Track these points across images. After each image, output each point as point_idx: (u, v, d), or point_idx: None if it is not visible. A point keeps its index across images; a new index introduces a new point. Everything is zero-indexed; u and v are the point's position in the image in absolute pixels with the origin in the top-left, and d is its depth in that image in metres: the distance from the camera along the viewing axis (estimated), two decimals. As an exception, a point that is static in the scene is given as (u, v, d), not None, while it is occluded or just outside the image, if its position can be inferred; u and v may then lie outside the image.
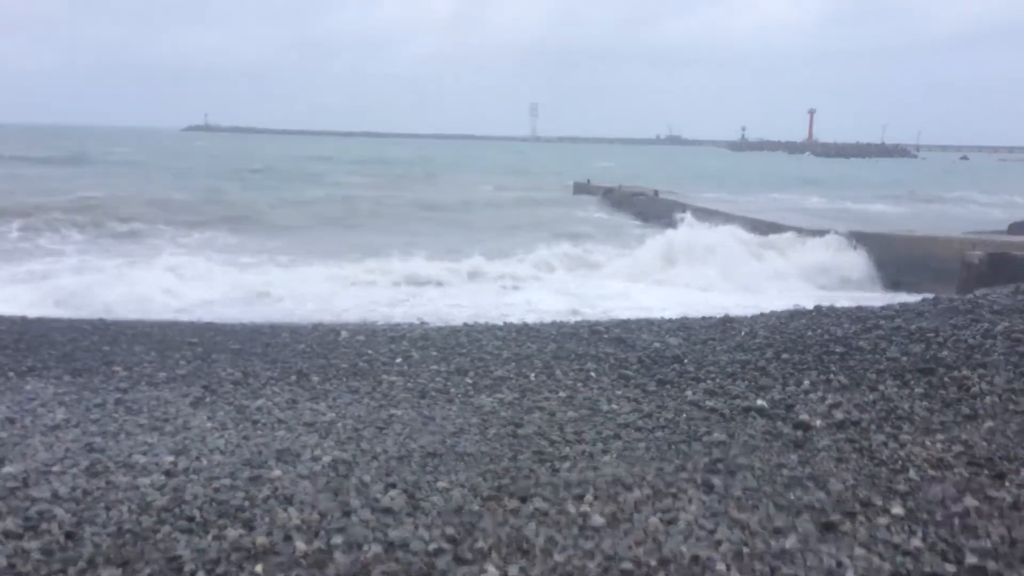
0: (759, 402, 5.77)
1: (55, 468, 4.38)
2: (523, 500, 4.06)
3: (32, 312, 9.74)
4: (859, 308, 9.37)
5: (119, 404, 5.68)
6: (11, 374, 6.51)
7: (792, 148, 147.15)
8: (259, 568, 3.37)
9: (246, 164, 46.74)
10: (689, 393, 6.06)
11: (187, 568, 3.35)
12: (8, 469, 4.32)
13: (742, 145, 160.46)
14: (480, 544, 3.61)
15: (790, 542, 3.65)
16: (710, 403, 5.78)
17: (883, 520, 3.88)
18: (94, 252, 18.09)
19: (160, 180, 36.88)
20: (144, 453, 4.65)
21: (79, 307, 11.15)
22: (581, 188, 36.32)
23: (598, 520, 3.84)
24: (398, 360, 7.09)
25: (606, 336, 8.06)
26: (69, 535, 3.59)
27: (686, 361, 6.96)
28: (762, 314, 9.47)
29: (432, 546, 3.58)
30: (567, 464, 4.56)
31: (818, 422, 5.35)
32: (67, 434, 4.99)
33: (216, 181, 32.79)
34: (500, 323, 9.37)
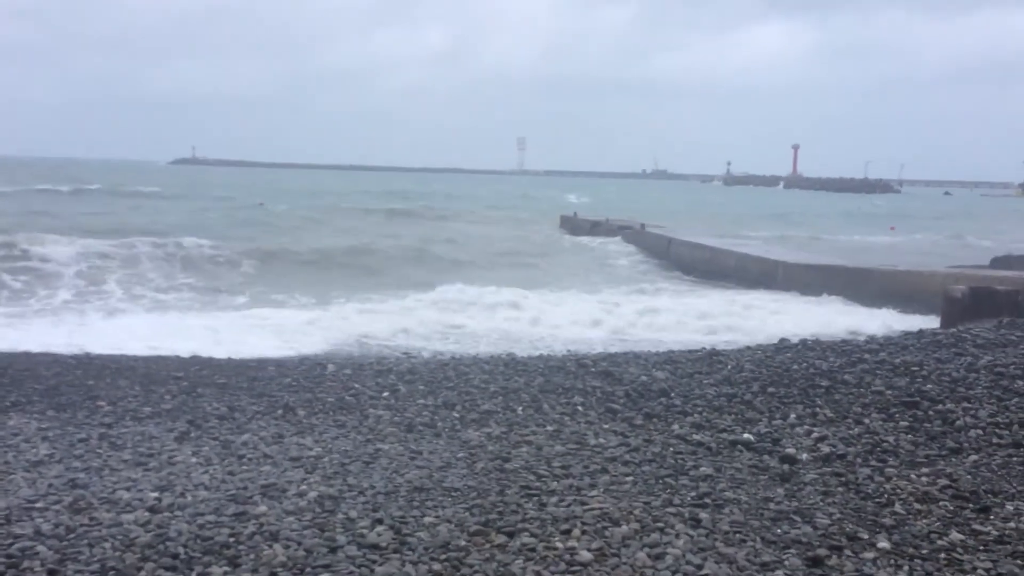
0: (746, 436, 5.79)
1: (38, 504, 4.33)
2: (510, 535, 4.05)
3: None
4: (844, 342, 9.44)
5: (103, 439, 5.63)
6: (-6, 409, 6.44)
7: (775, 182, 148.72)
8: (244, 606, 3.34)
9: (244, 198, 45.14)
10: (676, 427, 6.07)
11: (171, 606, 3.31)
12: (-10, 506, 4.28)
13: (728, 179, 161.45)
14: (467, 580, 3.59)
15: (777, 577, 3.65)
16: (697, 436, 5.79)
17: (870, 554, 3.88)
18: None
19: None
20: (128, 489, 4.61)
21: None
22: (568, 222, 36.50)
23: (585, 555, 3.82)
24: (385, 394, 7.08)
25: (593, 369, 8.08)
26: (52, 573, 3.55)
27: (673, 395, 6.98)
28: (748, 348, 9.52)
29: (419, 583, 3.55)
30: (555, 499, 4.55)
31: (804, 456, 5.37)
32: (50, 470, 4.94)
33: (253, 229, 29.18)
34: (486, 356, 9.38)
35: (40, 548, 3.78)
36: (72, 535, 3.95)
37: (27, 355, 8.88)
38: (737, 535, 4.08)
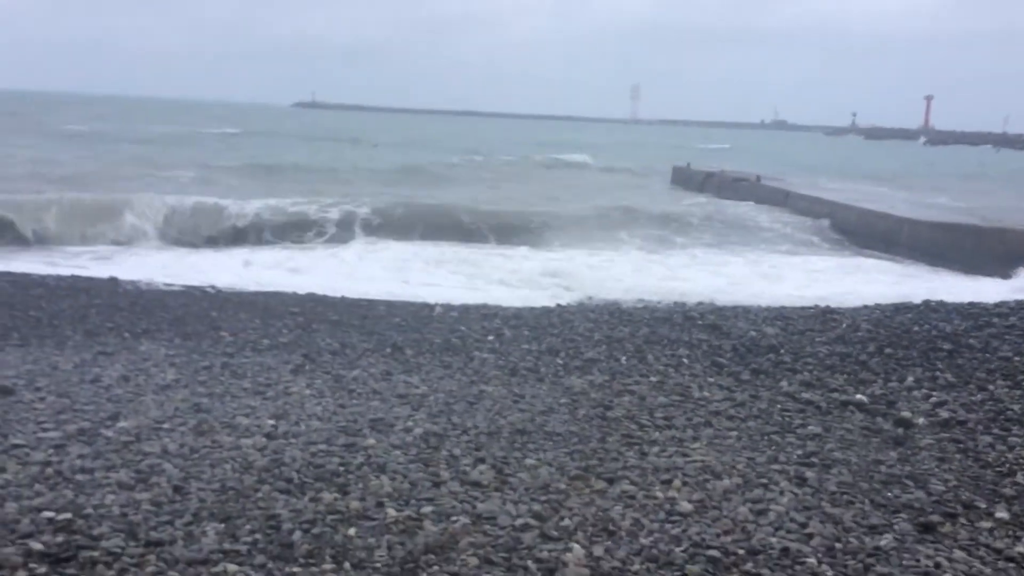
0: (858, 396, 5.60)
1: (165, 425, 4.62)
2: (610, 482, 4.07)
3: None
4: (971, 304, 8.95)
5: (225, 368, 5.94)
6: (127, 335, 6.88)
7: (907, 135, 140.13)
8: (352, 531, 3.49)
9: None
10: (784, 384, 5.93)
11: (285, 527, 3.49)
12: (123, 424, 4.59)
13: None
14: (566, 522, 3.64)
15: (886, 540, 3.55)
16: (806, 395, 5.64)
17: (986, 524, 3.72)
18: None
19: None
20: (247, 415, 4.86)
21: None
22: (680, 172, 35.72)
23: (686, 506, 3.81)
24: (490, 338, 7.17)
25: (700, 322, 7.95)
26: (177, 489, 3.80)
27: (782, 351, 6.80)
28: (865, 306, 9.16)
29: (519, 521, 3.63)
30: (656, 449, 4.54)
31: (921, 420, 5.16)
32: (177, 394, 5.25)
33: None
34: (592, 305, 9.35)
35: (166, 466, 4.04)
36: (195, 455, 4.20)
37: (155, 286, 9.39)
38: (844, 496, 3.98)
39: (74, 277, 9.59)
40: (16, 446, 4.18)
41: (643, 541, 3.51)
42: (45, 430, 4.43)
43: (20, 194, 15.60)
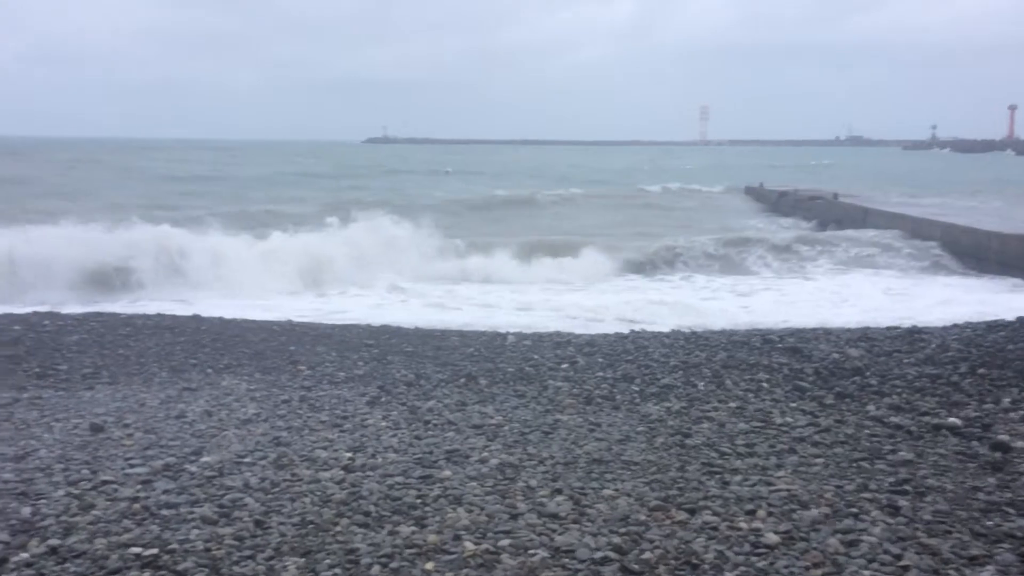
0: (951, 420, 5.35)
1: (247, 459, 4.70)
2: (691, 512, 3.96)
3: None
4: (1070, 320, 8.51)
5: (303, 401, 6.03)
6: (210, 370, 7.06)
7: (992, 147, 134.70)
8: (429, 565, 3.46)
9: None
10: (871, 408, 5.71)
11: (363, 561, 3.49)
12: (206, 459, 4.69)
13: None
14: (647, 555, 3.55)
15: (987, 572, 3.35)
16: (895, 419, 5.42)
17: (1099, 556, 3.48)
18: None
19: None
20: (325, 448, 4.91)
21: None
22: (753, 192, 35.18)
23: (772, 538, 3.67)
24: (564, 366, 7.12)
25: (779, 345, 7.74)
26: (258, 523, 3.84)
27: (868, 374, 6.57)
28: (955, 325, 8.80)
29: (598, 554, 3.55)
30: (738, 477, 4.40)
31: (1020, 443, 4.89)
32: (257, 428, 5.35)
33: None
34: (667, 330, 9.21)
35: (248, 500, 4.10)
36: (276, 489, 4.26)
37: (236, 321, 9.64)
38: (941, 526, 3.78)
39: (159, 315, 9.91)
40: (105, 482, 4.30)
41: (728, 575, 3.39)
42: (132, 466, 4.56)
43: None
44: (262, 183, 41.08)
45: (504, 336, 8.65)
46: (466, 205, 30.17)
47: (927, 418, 5.43)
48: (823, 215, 25.51)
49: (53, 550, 3.54)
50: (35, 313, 9.88)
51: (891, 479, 4.36)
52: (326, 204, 26.05)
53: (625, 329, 9.55)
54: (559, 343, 8.18)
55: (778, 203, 30.35)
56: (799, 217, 26.84)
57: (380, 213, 19.78)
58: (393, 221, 18.62)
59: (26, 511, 3.92)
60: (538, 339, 8.49)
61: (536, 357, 7.46)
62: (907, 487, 4.23)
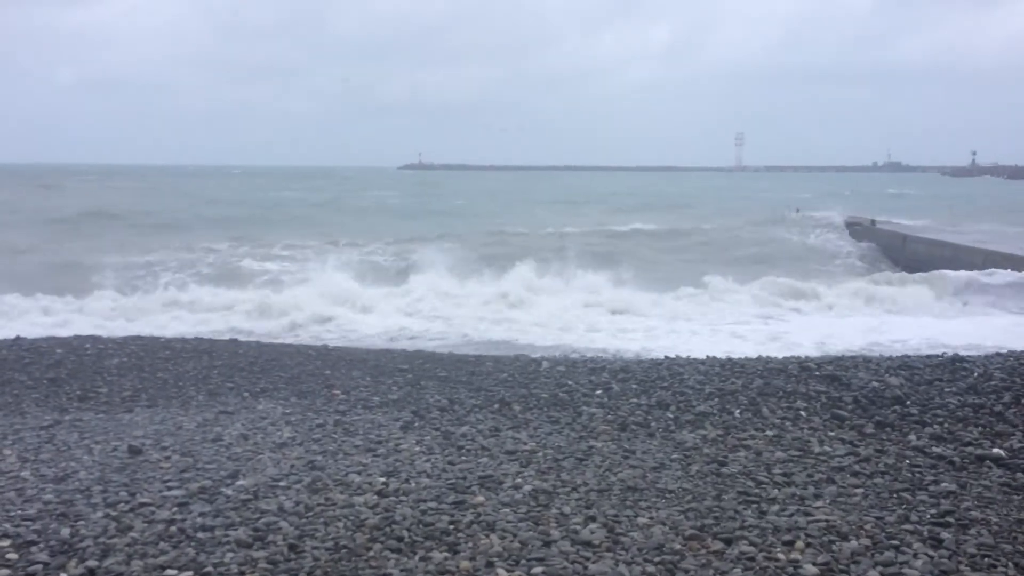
0: (995, 450, 5.23)
1: (281, 483, 4.72)
2: (727, 542, 3.90)
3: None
4: (1118, 349, 8.29)
5: (338, 425, 6.06)
6: (246, 394, 7.13)
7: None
8: (462, 592, 3.44)
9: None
10: (913, 437, 5.60)
11: (396, 587, 3.48)
12: (242, 482, 4.72)
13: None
14: (682, 585, 3.49)
15: (1036, 610, 3.25)
16: (937, 449, 5.31)
17: None
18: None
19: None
20: (359, 473, 4.92)
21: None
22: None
23: (811, 569, 3.60)
24: (598, 392, 7.08)
25: (817, 373, 7.63)
26: (292, 547, 3.85)
27: (909, 403, 6.44)
28: (998, 354, 8.61)
29: (632, 583, 3.50)
30: (775, 507, 4.33)
31: (1069, 476, 4.76)
32: (292, 451, 5.38)
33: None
34: (702, 357, 9.13)
35: (282, 524, 4.11)
36: (310, 513, 4.27)
37: (273, 346, 9.75)
38: (986, 559, 3.68)
39: (197, 339, 10.05)
40: (143, 504, 4.35)
41: (765, 606, 3.33)
42: (170, 488, 4.61)
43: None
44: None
45: (538, 362, 8.63)
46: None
47: (970, 448, 5.31)
48: (861, 240, 25.11)
49: (91, 572, 3.57)
50: (76, 336, 10.08)
51: (933, 511, 4.26)
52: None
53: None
54: (593, 369, 8.14)
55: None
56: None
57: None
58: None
59: (65, 532, 3.97)
60: (572, 365, 8.46)
61: (570, 383, 7.43)
62: (950, 519, 4.13)
